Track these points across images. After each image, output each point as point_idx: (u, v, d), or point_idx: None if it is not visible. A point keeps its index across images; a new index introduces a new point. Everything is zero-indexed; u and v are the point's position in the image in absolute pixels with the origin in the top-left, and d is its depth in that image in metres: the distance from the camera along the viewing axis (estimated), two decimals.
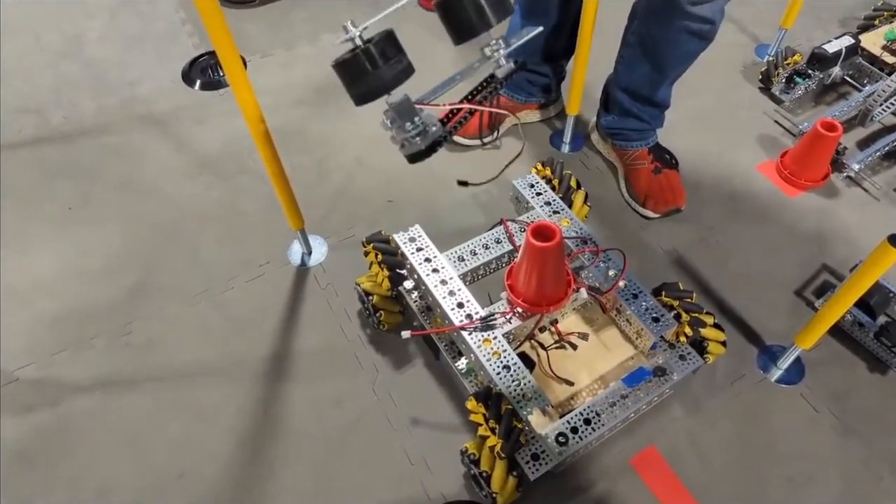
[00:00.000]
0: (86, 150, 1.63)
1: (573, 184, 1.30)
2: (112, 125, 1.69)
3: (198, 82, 1.80)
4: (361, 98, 0.76)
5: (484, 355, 1.03)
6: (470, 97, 0.83)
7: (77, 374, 1.23)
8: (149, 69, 1.84)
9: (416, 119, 0.79)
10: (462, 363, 1.13)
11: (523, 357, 1.13)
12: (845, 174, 1.58)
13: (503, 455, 0.97)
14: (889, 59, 1.74)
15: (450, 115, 0.83)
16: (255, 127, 1.06)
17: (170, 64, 1.85)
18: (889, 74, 1.69)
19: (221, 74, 1.81)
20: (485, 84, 0.83)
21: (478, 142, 1.63)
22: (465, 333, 1.05)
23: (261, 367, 1.24)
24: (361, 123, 1.70)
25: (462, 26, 0.74)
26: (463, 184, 1.24)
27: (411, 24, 2.00)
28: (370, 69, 0.74)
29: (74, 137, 1.66)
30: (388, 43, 0.74)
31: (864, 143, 1.67)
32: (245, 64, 1.83)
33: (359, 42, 0.72)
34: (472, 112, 0.83)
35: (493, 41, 0.77)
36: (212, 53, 1.86)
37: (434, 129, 0.79)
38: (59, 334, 1.28)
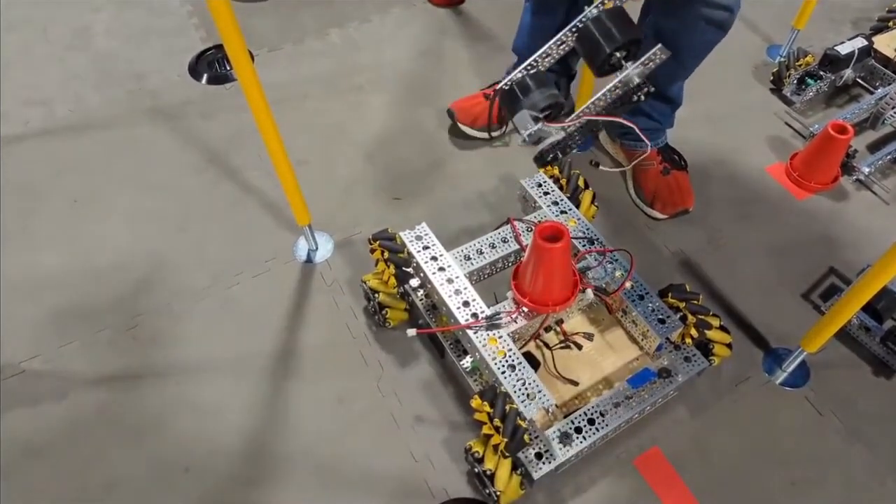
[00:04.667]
0: (92, 144, 1.63)
1: (581, 184, 1.30)
2: (119, 118, 1.69)
3: (205, 76, 1.80)
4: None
5: (489, 354, 1.03)
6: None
7: (83, 368, 1.23)
8: (156, 62, 1.84)
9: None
10: (467, 362, 1.13)
11: (528, 356, 1.13)
12: (855, 177, 1.57)
13: (507, 454, 0.97)
14: None
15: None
16: (263, 121, 1.06)
17: (177, 57, 1.85)
18: None
19: (229, 68, 1.81)
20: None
21: (485, 134, 1.63)
22: (470, 332, 1.05)
23: (266, 363, 1.24)
24: (370, 119, 1.70)
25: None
26: (595, 165, 1.31)
27: (420, 22, 2.00)
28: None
29: (81, 130, 1.66)
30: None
31: (874, 147, 1.66)
32: (253, 58, 1.83)
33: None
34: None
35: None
36: (219, 47, 1.86)
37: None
38: (66, 328, 1.29)
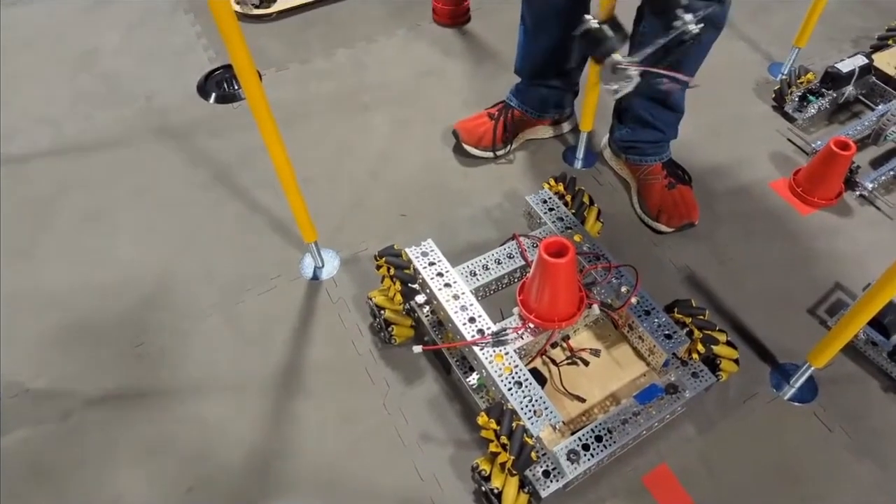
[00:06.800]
0: (101, 162, 1.64)
1: (586, 200, 1.30)
2: (127, 137, 1.71)
3: (213, 95, 1.82)
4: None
5: (495, 371, 1.03)
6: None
7: (88, 387, 1.23)
8: (164, 82, 1.86)
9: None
10: (473, 378, 1.13)
11: (535, 373, 1.12)
12: (858, 193, 1.58)
13: (514, 472, 0.97)
14: None
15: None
16: (270, 140, 1.07)
17: (185, 77, 1.87)
18: None
19: (237, 88, 1.83)
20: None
21: (490, 154, 1.64)
22: (476, 349, 1.05)
23: (271, 381, 1.24)
24: (375, 137, 1.71)
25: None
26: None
27: (425, 42, 2.02)
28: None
29: (90, 148, 1.68)
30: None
31: (877, 162, 1.67)
32: (260, 77, 1.85)
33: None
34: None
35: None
36: (227, 67, 1.89)
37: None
38: (71, 346, 1.29)
